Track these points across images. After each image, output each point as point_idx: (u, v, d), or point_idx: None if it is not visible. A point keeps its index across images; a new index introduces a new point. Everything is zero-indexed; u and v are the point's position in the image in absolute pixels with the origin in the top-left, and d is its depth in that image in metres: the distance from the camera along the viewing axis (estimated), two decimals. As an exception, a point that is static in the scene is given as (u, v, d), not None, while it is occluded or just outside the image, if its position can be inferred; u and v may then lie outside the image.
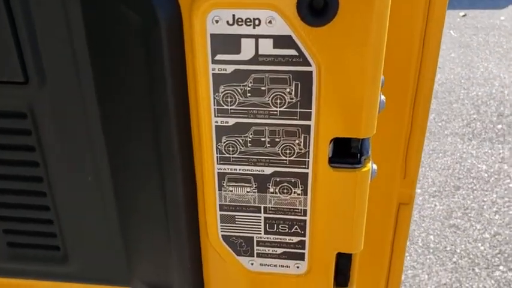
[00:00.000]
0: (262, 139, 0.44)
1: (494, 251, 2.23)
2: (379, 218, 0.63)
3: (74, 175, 0.57)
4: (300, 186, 0.46)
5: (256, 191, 0.47)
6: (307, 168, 0.45)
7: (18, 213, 0.61)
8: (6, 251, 0.64)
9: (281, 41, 0.40)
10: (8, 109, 0.54)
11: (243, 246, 0.50)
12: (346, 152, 0.46)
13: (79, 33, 0.48)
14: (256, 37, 0.40)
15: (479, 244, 2.27)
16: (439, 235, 2.35)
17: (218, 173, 0.47)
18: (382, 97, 0.48)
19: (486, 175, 2.71)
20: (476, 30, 4.52)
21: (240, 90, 0.43)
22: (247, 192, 0.47)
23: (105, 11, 0.47)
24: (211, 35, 0.41)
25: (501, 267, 2.15)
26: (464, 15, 4.81)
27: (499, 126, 3.14)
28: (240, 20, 0.40)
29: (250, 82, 0.42)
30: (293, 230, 0.48)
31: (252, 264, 0.51)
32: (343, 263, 0.52)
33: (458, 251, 2.25)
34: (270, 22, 0.40)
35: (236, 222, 0.49)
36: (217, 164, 0.46)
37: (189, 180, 0.50)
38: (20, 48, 0.49)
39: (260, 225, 0.49)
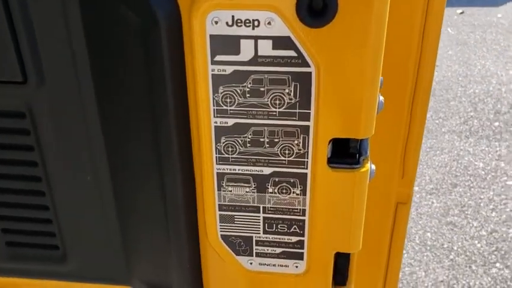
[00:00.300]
0: (261, 139, 0.45)
1: (491, 248, 2.24)
2: (377, 217, 0.63)
3: (73, 175, 0.57)
4: (299, 186, 0.46)
5: (255, 191, 0.47)
6: (306, 168, 0.45)
7: (17, 212, 0.61)
8: (5, 251, 0.64)
9: (280, 42, 0.40)
10: (6, 109, 0.54)
11: (242, 245, 0.50)
12: (345, 152, 0.46)
13: (78, 33, 0.48)
14: (256, 38, 0.40)
15: (476, 241, 2.28)
16: (436, 232, 2.35)
17: (217, 173, 0.47)
18: (381, 98, 0.48)
19: (483, 173, 2.72)
20: (474, 28, 4.52)
21: (239, 91, 0.43)
22: (246, 192, 0.47)
23: (104, 11, 0.47)
24: (211, 36, 0.41)
25: (498, 265, 2.16)
26: (461, 13, 4.82)
27: (496, 123, 3.15)
28: (239, 21, 0.40)
29: (250, 83, 0.42)
30: (292, 229, 0.49)
31: (251, 263, 0.51)
32: (342, 262, 0.52)
33: (455, 248, 2.26)
34: (269, 23, 0.40)
35: (235, 222, 0.49)
36: (217, 164, 0.47)
37: (188, 180, 0.50)
38: (18, 48, 0.49)
39: (259, 225, 0.49)
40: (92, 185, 0.57)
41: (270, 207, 0.48)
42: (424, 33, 0.54)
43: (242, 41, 0.41)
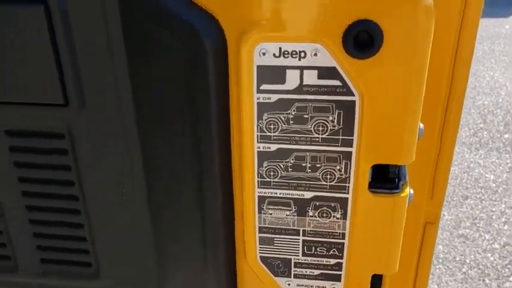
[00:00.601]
0: (303, 164, 0.46)
1: (504, 261, 2.23)
2: (405, 237, 0.64)
3: (109, 194, 0.58)
4: (339, 210, 0.47)
5: (296, 214, 0.48)
6: (347, 193, 0.46)
7: (52, 230, 0.62)
8: (40, 267, 0.65)
9: (325, 72, 0.42)
10: (46, 130, 0.55)
11: (280, 267, 0.51)
12: (384, 177, 0.47)
13: (121, 58, 0.49)
14: (301, 68, 0.42)
15: (489, 254, 2.27)
16: (448, 245, 2.35)
17: (258, 196, 0.48)
18: (421, 125, 0.49)
19: (494, 185, 2.72)
20: (482, 39, 4.53)
21: (283, 118, 0.44)
22: (286, 215, 0.48)
23: (149, 38, 0.48)
24: (258, 67, 0.42)
25: (511, 278, 2.15)
26: (469, 24, 4.82)
27: (506, 135, 3.15)
28: (286, 52, 0.41)
29: (294, 110, 0.44)
30: (331, 252, 0.50)
31: (288, 284, 0.52)
32: (375, 283, 0.53)
33: (467, 261, 2.25)
34: (315, 54, 0.41)
35: (275, 244, 0.50)
36: (258, 187, 0.48)
37: (227, 201, 0.51)
38: (61, 72, 0.50)
39: (298, 247, 0.50)
40: (128, 204, 0.59)
41: (310, 230, 0.49)
42: (457, 53, 0.55)
43: (288, 71, 0.42)
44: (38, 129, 0.56)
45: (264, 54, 0.42)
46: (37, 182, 0.59)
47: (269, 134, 0.45)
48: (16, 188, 0.60)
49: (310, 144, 0.45)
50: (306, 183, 0.47)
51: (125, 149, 0.55)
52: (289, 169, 0.46)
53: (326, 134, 0.44)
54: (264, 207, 0.49)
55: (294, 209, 0.48)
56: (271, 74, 0.42)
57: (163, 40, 0.47)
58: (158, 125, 0.52)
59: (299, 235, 0.49)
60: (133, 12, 0.47)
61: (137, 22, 0.47)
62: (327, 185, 0.46)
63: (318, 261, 0.50)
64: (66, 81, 0.51)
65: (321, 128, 0.44)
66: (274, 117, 0.44)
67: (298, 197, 0.47)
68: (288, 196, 0.48)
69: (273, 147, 0.46)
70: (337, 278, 0.51)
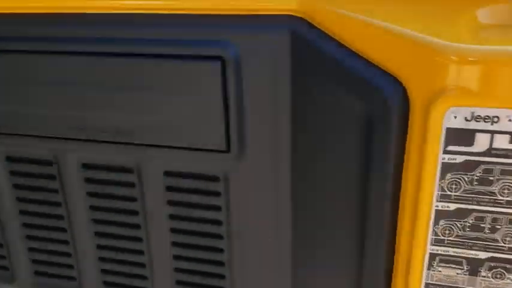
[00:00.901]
0: (482, 225, 0.47)
1: None
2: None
3: (254, 237, 0.61)
4: (515, 272, 0.47)
5: (467, 273, 0.49)
6: (526, 256, 0.46)
7: (194, 266, 0.65)
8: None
9: (517, 137, 0.43)
10: (203, 172, 0.59)
11: (444, 324, 0.51)
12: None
13: (286, 113, 0.52)
14: (493, 132, 0.43)
15: None
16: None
17: (430, 253, 0.49)
18: None
19: None
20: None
21: (466, 179, 0.45)
22: (457, 273, 0.49)
23: (320, 98, 0.51)
24: (447, 129, 0.44)
25: None
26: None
27: None
28: (478, 117, 0.43)
29: (479, 172, 0.45)
30: (500, 313, 0.49)
31: None
32: None
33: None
34: (509, 120, 0.42)
35: (440, 301, 0.51)
36: (431, 245, 0.49)
37: (390, 256, 0.52)
38: (228, 122, 0.54)
39: (465, 306, 0.50)
40: (271, 251, 0.61)
41: (480, 290, 0.49)
42: None
43: (478, 134, 0.44)
44: (195, 172, 0.59)
45: (455, 117, 0.43)
46: (187, 220, 0.63)
47: (450, 193, 0.46)
48: (165, 225, 0.64)
49: (493, 206, 0.46)
50: (483, 244, 0.47)
51: (276, 199, 0.58)
52: (467, 229, 0.47)
53: (511, 196, 0.45)
54: (435, 264, 0.49)
55: (465, 268, 0.48)
56: (460, 137, 0.44)
57: (342, 101, 0.49)
58: (315, 177, 0.54)
59: (468, 294, 0.50)
60: (311, 73, 0.50)
61: (315, 83, 0.50)
62: (505, 247, 0.47)
63: (485, 321, 0.50)
64: (231, 130, 0.55)
65: (506, 191, 0.45)
66: (458, 178, 0.46)
67: (472, 256, 0.48)
68: (462, 255, 0.48)
69: (452, 206, 0.47)
70: None
